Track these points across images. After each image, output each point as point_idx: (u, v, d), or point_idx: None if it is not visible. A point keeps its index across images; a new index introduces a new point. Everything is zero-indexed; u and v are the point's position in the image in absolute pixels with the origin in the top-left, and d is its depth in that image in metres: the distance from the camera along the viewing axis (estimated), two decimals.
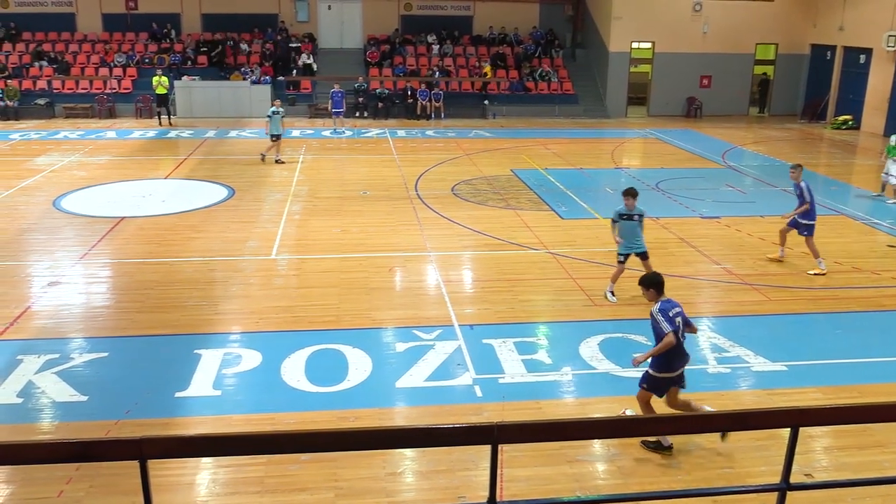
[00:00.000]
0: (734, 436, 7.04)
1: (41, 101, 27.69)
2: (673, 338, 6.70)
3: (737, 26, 29.61)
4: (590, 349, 9.08)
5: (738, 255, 12.74)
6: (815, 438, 7.35)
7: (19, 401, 7.85)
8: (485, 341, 9.26)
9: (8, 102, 27.14)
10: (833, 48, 28.56)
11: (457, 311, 10.19)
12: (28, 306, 10.36)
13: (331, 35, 31.75)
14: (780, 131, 27.10)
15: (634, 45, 29.89)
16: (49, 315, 10.11)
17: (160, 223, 14.37)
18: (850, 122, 27.16)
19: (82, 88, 28.50)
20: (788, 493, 3.30)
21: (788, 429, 3.22)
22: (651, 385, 7.01)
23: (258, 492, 6.42)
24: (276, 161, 19.58)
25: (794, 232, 12.14)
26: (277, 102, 20.50)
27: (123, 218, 14.53)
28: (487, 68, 29.96)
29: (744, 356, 9.02)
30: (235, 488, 6.51)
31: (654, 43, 29.79)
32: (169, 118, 26.41)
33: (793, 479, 3.32)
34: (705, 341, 9.40)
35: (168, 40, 30.58)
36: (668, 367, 6.88)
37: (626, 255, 10.52)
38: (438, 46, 31.28)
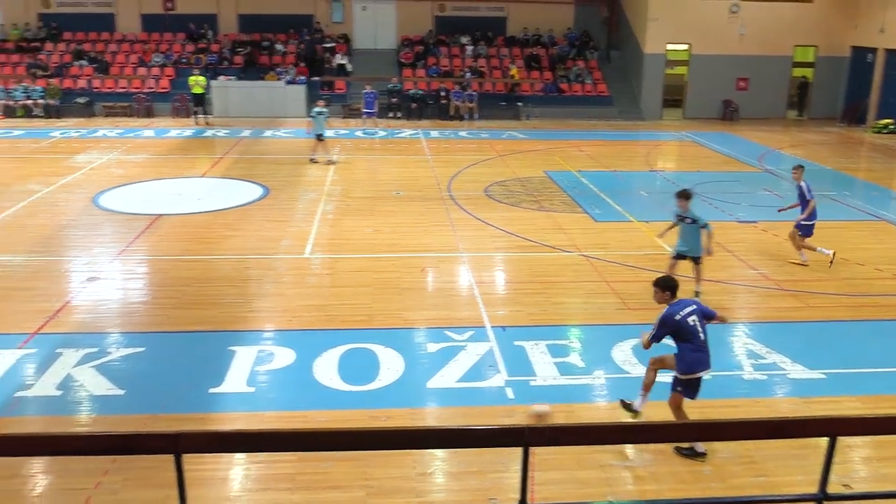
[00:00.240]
0: (769, 444, 6.93)
1: (81, 100, 28.18)
2: (646, 343, 6.90)
3: (775, 28, 29.19)
4: (623, 353, 9.01)
5: (774, 261, 12.56)
6: (854, 448, 7.22)
7: (58, 393, 8.00)
8: (517, 343, 9.24)
9: (49, 101, 27.68)
10: (874, 50, 28.02)
11: (489, 312, 10.18)
12: (67, 301, 10.56)
13: (365, 36, 31.91)
14: (819, 135, 26.67)
15: (670, 46, 29.62)
16: (88, 310, 10.30)
17: (196, 221, 14.55)
18: (892, 126, 26.63)
19: (121, 88, 28.97)
20: (825, 503, 3.25)
21: (826, 438, 3.17)
22: (683, 387, 6.91)
23: (290, 488, 6.47)
24: (311, 160, 19.68)
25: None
26: (321, 103, 20.60)
27: (160, 215, 14.74)
28: (515, 70, 29.91)
29: (780, 363, 8.89)
30: (267, 484, 6.57)
31: (690, 45, 29.48)
32: (205, 117, 26.73)
33: (830, 490, 3.26)
34: (741, 347, 9.28)
35: (205, 40, 30.95)
36: (690, 367, 6.80)
37: (680, 255, 10.46)
38: (472, 47, 31.27)
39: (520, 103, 29.03)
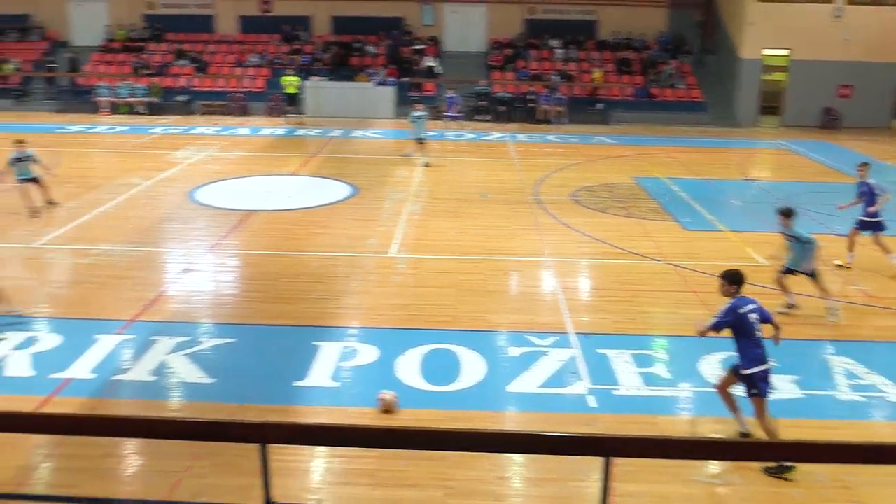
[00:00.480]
0: (866, 469, 6.60)
1: (181, 98, 29.32)
2: (710, 332, 6.93)
3: (881, 33, 27.85)
4: (710, 366, 8.75)
5: (875, 277, 11.99)
6: None
7: (152, 379, 8.33)
8: (600, 351, 9.10)
9: (152, 99, 28.88)
10: None
11: (573, 318, 10.06)
12: (163, 290, 10.99)
13: (455, 38, 32.09)
14: None
15: (767, 51, 28.68)
16: (182, 300, 10.69)
17: (286, 218, 14.91)
18: None
19: (218, 87, 29.97)
20: None
21: None
22: (754, 387, 6.84)
23: (370, 484, 6.54)
24: (404, 155, 19.93)
25: (872, 238, 12.07)
26: (420, 106, 20.77)
27: (252, 211, 15.16)
28: (597, 73, 29.53)
29: (880, 385, 8.46)
30: (348, 479, 6.66)
31: (790, 50, 28.47)
32: (298, 117, 27.38)
33: None
34: (838, 367, 8.88)
35: (299, 42, 31.71)
36: (753, 363, 6.82)
37: (789, 270, 10.18)
38: (562, 51, 31.04)
39: (599, 105, 28.60)
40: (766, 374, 6.86)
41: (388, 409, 7.70)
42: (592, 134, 25.90)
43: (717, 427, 7.59)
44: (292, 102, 27.40)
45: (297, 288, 11.12)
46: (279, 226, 14.31)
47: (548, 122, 27.85)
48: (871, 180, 12.35)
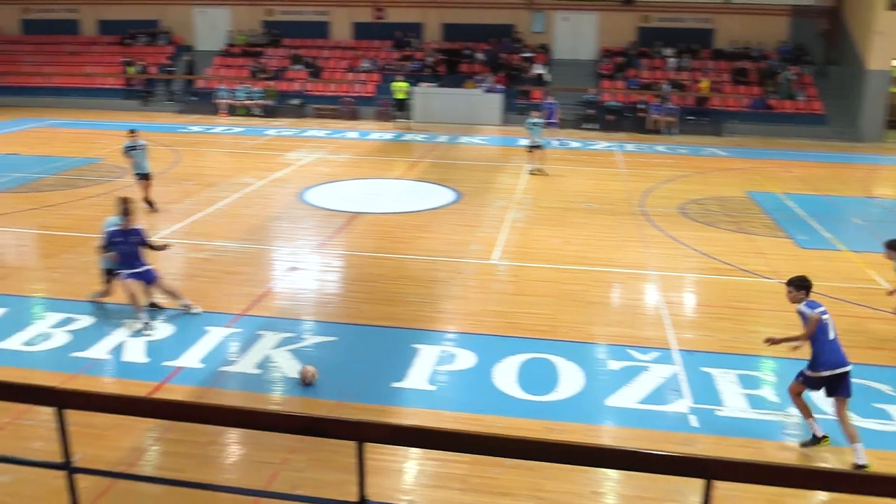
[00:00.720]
0: None
1: (295, 102, 30.27)
2: (818, 316, 6.98)
3: None
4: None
5: None
6: None
7: (257, 372, 8.60)
8: (704, 369, 8.80)
9: (267, 102, 29.95)
10: None
11: (676, 334, 9.78)
12: (270, 287, 11.35)
13: (565, 46, 31.84)
14: None
15: None
16: (287, 297, 11.01)
17: (391, 221, 15.14)
18: None
19: (331, 91, 30.79)
20: None
21: None
22: (805, 380, 7.19)
23: (461, 489, 6.54)
24: (539, 172, 19.43)
25: None
26: (536, 114, 20.61)
27: (358, 213, 15.48)
28: (704, 83, 28.62)
29: None
30: (440, 482, 6.68)
31: None
32: (406, 122, 27.79)
33: None
34: None
35: (410, 48, 32.20)
36: (822, 364, 7.01)
37: None
38: (675, 60, 30.31)
39: (706, 115, 27.73)
40: (845, 376, 6.98)
41: (307, 382, 8.17)
42: (704, 145, 25.16)
43: (829, 456, 7.20)
44: (401, 108, 27.84)
45: (398, 290, 11.26)
46: (383, 228, 14.54)
47: (657, 132, 27.24)
48: None
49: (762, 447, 7.33)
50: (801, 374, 7.27)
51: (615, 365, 8.90)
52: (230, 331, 9.65)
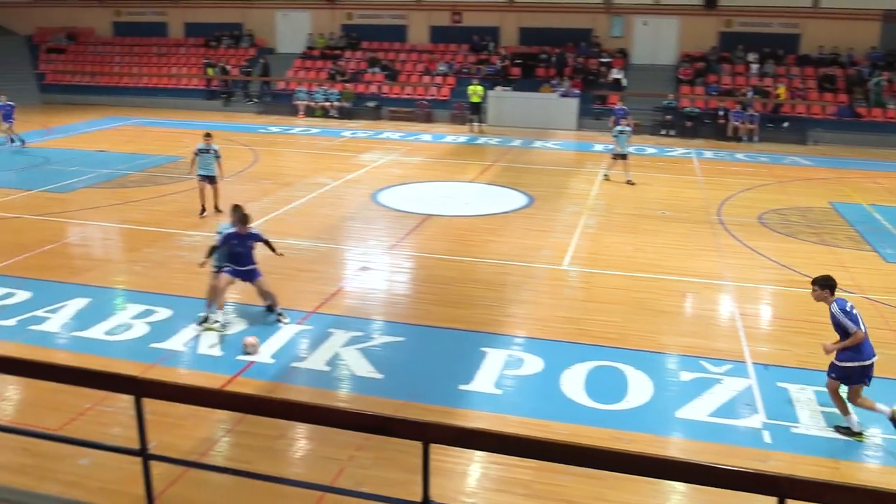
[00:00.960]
0: None
1: (371, 104, 30.66)
2: (862, 335, 7.30)
3: None
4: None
5: None
6: None
7: (326, 369, 8.75)
8: (780, 384, 8.53)
9: (344, 104, 30.42)
10: None
11: (751, 347, 9.51)
12: (341, 286, 11.53)
13: (644, 51, 31.36)
14: None
15: None
16: (358, 296, 11.16)
17: (462, 224, 15.18)
18: None
19: (406, 94, 31.07)
20: None
21: None
22: (839, 375, 7.49)
23: (525, 495, 6.50)
24: (628, 182, 18.98)
25: None
26: (625, 121, 20.21)
27: (430, 216, 15.57)
28: (781, 89, 27.73)
29: None
30: (504, 486, 6.66)
31: None
32: (480, 126, 27.82)
33: None
34: None
35: (486, 52, 32.22)
36: (853, 357, 7.37)
37: None
38: (758, 66, 29.49)
39: (784, 123, 26.85)
40: (854, 371, 7.39)
41: (248, 352, 8.91)
42: (786, 154, 24.40)
43: None
44: (475, 111, 27.89)
45: (467, 293, 11.28)
46: (455, 231, 14.59)
47: (738, 139, 26.55)
48: None
49: (839, 467, 7.06)
50: (832, 369, 7.57)
51: (686, 376, 8.71)
52: (302, 327, 9.84)
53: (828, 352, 7.59)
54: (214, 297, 9.80)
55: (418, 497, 3.73)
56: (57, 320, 9.94)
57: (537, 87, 29.63)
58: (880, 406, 7.47)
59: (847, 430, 7.56)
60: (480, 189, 18.60)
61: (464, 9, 32.75)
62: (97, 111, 31.13)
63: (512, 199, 17.21)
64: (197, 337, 9.49)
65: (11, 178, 18.71)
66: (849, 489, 3.32)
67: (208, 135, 15.29)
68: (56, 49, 36.51)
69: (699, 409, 7.97)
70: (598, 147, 24.50)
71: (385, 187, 18.05)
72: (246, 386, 8.26)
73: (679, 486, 6.61)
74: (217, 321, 9.67)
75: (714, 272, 12.43)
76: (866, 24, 29.19)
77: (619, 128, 19.61)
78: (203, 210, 15.05)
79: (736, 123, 26.73)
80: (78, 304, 10.49)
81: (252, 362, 8.86)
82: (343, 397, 8.24)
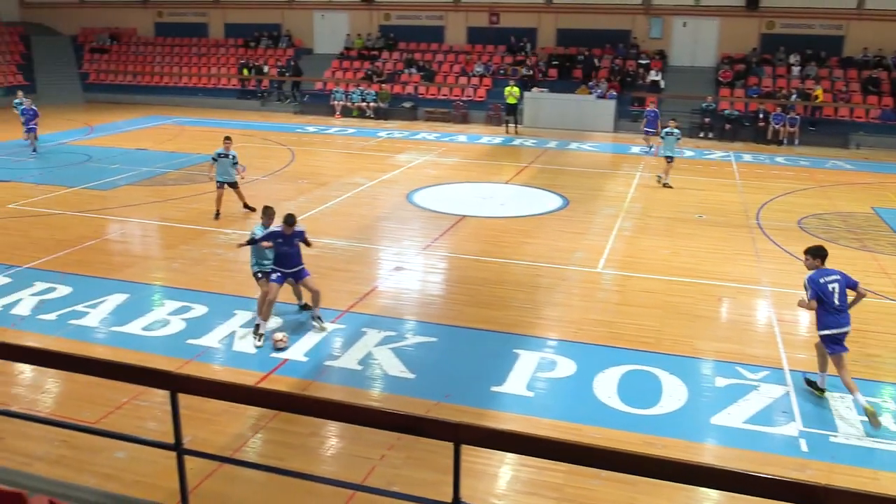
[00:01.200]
0: None
1: (407, 105, 30.74)
2: (814, 305, 7.91)
3: None
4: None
5: None
6: None
7: (359, 368, 8.79)
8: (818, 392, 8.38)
9: (380, 104, 30.54)
10: None
11: (788, 354, 9.36)
12: (375, 286, 11.57)
13: (683, 52, 31.02)
14: None
15: None
16: (391, 296, 11.19)
17: (496, 225, 15.15)
18: None
19: (442, 95, 31.10)
20: None
21: None
22: (823, 340, 8.03)
23: (556, 498, 6.47)
24: (664, 185, 18.78)
25: None
26: (672, 123, 19.89)
27: (464, 216, 15.56)
28: (819, 91, 27.21)
29: None
30: (535, 489, 6.63)
31: None
32: (516, 127, 27.74)
33: None
34: None
35: (523, 53, 32.12)
36: (822, 325, 7.93)
37: None
38: (800, 68, 29.00)
39: (812, 128, 26.33)
40: (837, 337, 7.88)
41: (278, 348, 9.10)
42: (827, 157, 23.96)
43: None
44: (511, 112, 27.81)
45: (500, 294, 11.26)
46: (489, 232, 14.57)
47: (778, 142, 26.13)
48: None
49: (878, 478, 6.91)
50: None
51: (721, 382, 8.60)
52: (336, 326, 9.90)
53: (798, 305, 8.30)
54: (262, 308, 9.51)
55: (449, 498, 3.72)
56: (96, 315, 10.13)
57: (574, 88, 29.46)
58: (858, 395, 7.79)
59: (814, 385, 8.32)
60: (515, 191, 18.55)
61: (501, 10, 32.70)
62: (138, 110, 31.67)
63: (547, 201, 17.14)
64: (232, 334, 9.59)
65: (54, 176, 19.11)
66: (890, 501, 3.25)
67: (228, 138, 15.09)
68: (99, 49, 37.26)
69: (734, 416, 7.86)
70: (635, 149, 24.30)
71: (420, 188, 18.08)
72: (279, 383, 8.34)
73: (713, 494, 6.53)
74: (261, 333, 9.42)
75: (752, 277, 12.25)
76: None
77: (666, 129, 19.22)
78: (217, 213, 14.98)
79: (776, 126, 26.32)
80: (117, 299, 10.68)
81: (286, 360, 8.93)
82: (375, 396, 8.27)
